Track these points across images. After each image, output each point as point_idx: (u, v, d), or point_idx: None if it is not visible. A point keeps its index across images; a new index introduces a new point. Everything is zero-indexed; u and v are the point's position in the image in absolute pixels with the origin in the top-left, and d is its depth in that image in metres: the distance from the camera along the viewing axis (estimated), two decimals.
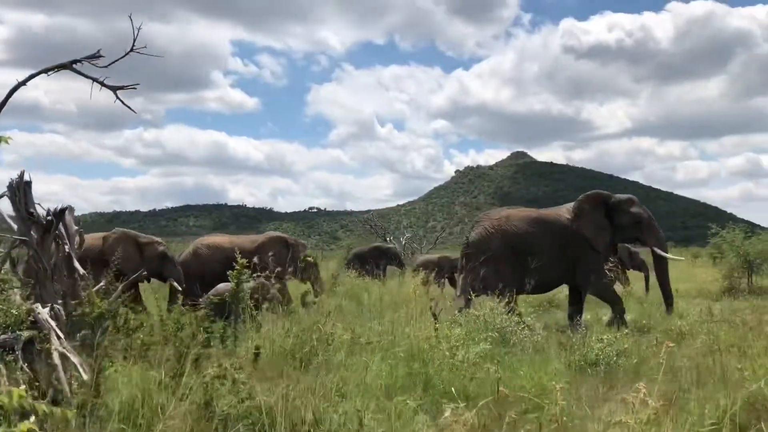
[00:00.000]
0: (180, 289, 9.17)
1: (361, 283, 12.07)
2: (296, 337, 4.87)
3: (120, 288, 4.74)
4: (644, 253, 12.70)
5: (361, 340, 5.17)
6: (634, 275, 13.45)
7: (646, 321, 7.76)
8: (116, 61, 3.96)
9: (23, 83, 3.93)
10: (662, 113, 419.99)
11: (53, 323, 3.44)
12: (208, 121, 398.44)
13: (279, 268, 7.41)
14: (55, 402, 3.03)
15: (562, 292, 9.73)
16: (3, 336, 3.29)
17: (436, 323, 5.48)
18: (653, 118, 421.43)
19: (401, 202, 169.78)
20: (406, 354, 4.75)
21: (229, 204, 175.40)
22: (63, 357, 3.30)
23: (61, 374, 3.22)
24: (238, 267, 5.63)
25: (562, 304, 9.78)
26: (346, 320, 6.26)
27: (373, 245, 18.59)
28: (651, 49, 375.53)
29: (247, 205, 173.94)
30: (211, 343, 4.34)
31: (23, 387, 2.54)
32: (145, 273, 8.61)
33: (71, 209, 4.40)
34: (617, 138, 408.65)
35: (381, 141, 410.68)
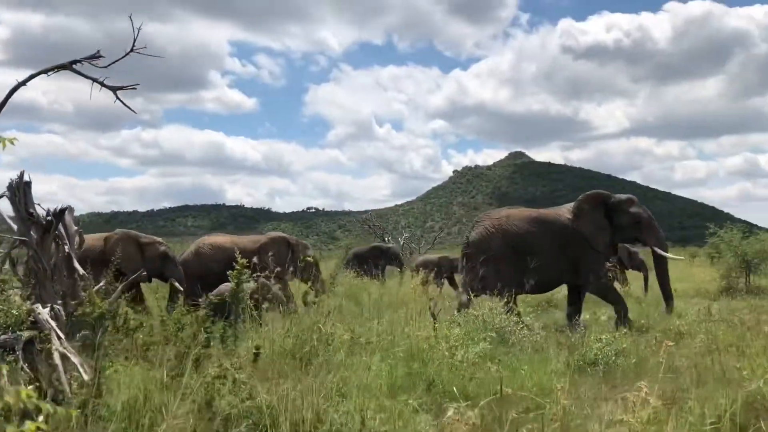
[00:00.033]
0: (181, 289, 9.18)
1: (360, 283, 12.07)
2: (296, 337, 4.87)
3: (120, 288, 4.74)
4: (643, 253, 12.74)
5: (360, 340, 5.17)
6: (633, 275, 13.48)
7: (644, 321, 7.78)
8: (116, 61, 3.95)
9: (23, 83, 3.92)
10: (660, 113, 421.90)
11: (53, 323, 3.44)
12: (206, 122, 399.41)
13: (279, 268, 7.40)
14: (55, 402, 3.02)
15: (561, 292, 9.73)
16: (3, 336, 3.30)
17: (435, 323, 5.49)
18: (651, 118, 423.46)
19: (399, 202, 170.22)
20: (406, 354, 4.76)
21: (227, 204, 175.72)
22: (63, 357, 3.30)
23: (62, 374, 3.22)
24: (238, 267, 5.63)
25: (560, 304, 9.78)
26: (346, 320, 6.26)
27: (372, 245, 18.56)
28: (649, 49, 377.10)
29: (245, 206, 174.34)
30: (212, 343, 4.33)
31: (30, 387, 2.54)
32: (146, 273, 8.63)
33: (71, 209, 4.39)
34: (615, 138, 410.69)
35: (379, 141, 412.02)
